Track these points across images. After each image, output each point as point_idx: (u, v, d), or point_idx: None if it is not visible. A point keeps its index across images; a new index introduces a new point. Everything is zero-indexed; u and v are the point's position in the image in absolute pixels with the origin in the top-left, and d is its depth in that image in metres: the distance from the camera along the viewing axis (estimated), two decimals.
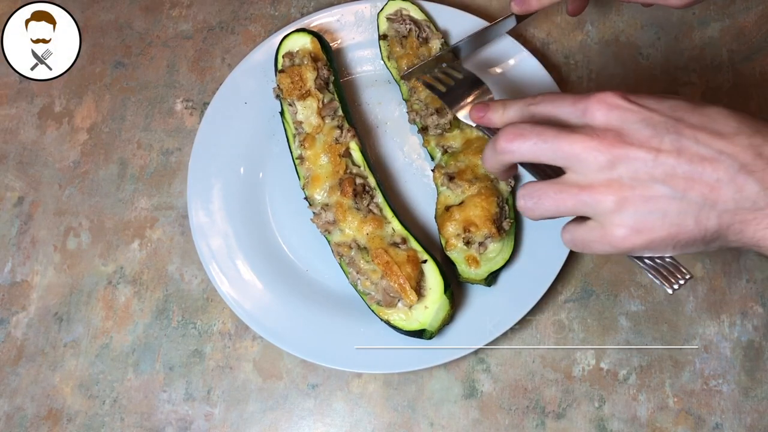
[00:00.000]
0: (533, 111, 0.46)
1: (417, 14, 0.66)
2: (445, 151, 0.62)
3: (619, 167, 0.40)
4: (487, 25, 0.65)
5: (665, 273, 0.44)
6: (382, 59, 0.67)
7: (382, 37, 0.67)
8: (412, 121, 0.65)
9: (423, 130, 0.63)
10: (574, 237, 0.44)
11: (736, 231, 0.40)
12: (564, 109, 0.44)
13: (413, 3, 0.67)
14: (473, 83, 0.57)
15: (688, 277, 0.44)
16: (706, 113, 0.41)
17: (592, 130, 0.41)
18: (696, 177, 0.39)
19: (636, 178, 0.40)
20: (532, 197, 0.43)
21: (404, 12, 0.66)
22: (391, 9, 0.67)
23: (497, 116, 0.48)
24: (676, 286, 0.44)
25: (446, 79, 0.59)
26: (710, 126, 0.40)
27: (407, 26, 0.65)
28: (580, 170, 0.41)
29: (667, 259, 0.44)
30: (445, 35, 0.67)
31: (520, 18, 0.63)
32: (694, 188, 0.39)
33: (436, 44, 0.65)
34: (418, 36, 0.65)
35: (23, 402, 0.62)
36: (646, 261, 0.44)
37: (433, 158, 0.64)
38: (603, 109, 0.41)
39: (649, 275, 0.44)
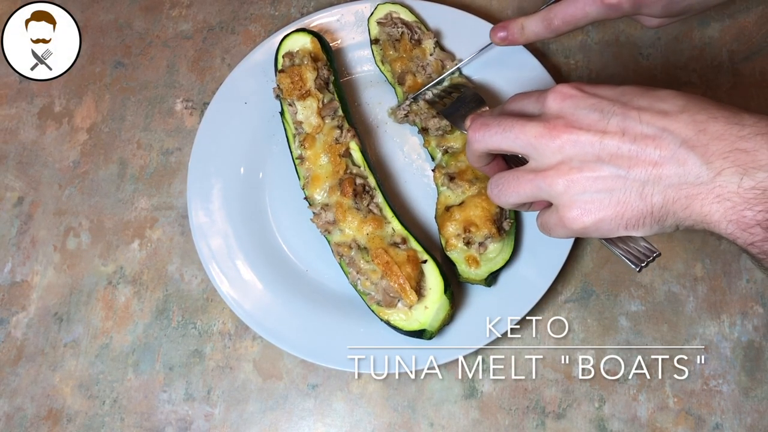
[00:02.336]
0: (506, 108, 0.49)
1: (407, 16, 0.66)
2: (445, 152, 0.62)
3: (568, 151, 0.42)
4: (485, 46, 0.64)
5: (637, 254, 0.46)
6: (376, 64, 0.67)
7: (374, 41, 0.67)
8: (412, 122, 0.65)
9: (423, 130, 0.63)
10: (542, 222, 0.47)
11: (683, 206, 0.40)
12: (529, 103, 0.47)
13: (403, 5, 0.67)
14: (478, 102, 0.59)
15: (656, 254, 0.45)
16: (654, 95, 0.43)
17: (546, 118, 0.44)
18: (639, 155, 0.41)
19: (584, 160, 0.42)
20: (498, 185, 0.47)
21: (394, 15, 0.66)
22: (380, 13, 0.67)
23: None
24: (643, 264, 0.45)
25: (449, 97, 0.62)
26: (656, 106, 0.42)
27: (399, 29, 0.65)
28: (536, 157, 0.44)
29: (642, 243, 0.46)
30: (439, 35, 0.67)
31: None
32: (638, 165, 0.41)
33: (429, 45, 0.65)
34: (411, 38, 0.65)
35: (23, 402, 0.62)
36: (621, 246, 0.46)
37: (433, 158, 0.64)
38: (557, 99, 0.44)
39: (623, 258, 0.46)
